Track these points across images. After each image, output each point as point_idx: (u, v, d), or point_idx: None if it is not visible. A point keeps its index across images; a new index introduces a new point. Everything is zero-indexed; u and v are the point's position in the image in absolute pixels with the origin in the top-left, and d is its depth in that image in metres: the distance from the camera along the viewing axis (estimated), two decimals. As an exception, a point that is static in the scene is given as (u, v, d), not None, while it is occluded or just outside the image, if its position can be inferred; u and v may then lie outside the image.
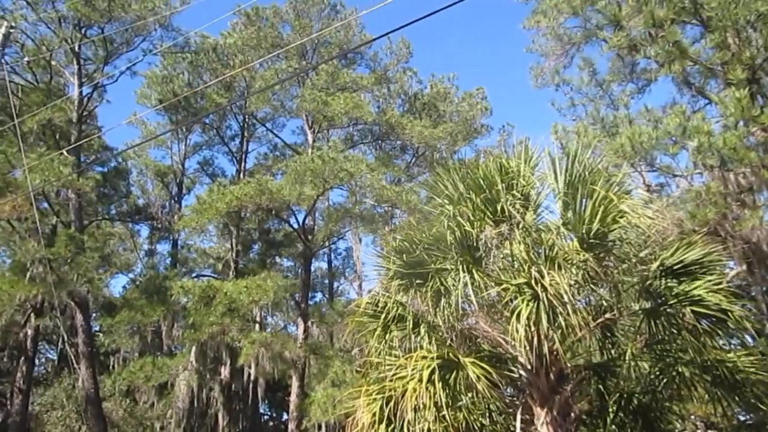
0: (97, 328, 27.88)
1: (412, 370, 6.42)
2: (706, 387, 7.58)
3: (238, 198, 18.75)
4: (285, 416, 29.49)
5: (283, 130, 35.76)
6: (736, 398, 7.56)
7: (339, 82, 21.59)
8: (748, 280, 10.44)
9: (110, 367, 26.05)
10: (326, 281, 30.63)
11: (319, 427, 17.76)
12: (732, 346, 7.93)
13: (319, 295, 32.24)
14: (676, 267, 7.08)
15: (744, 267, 10.27)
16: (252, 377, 24.39)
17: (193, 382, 20.11)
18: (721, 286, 6.47)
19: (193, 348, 20.16)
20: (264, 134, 29.82)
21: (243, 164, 28.68)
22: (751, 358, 7.43)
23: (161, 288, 22.01)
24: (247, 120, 28.26)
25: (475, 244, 6.90)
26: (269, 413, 35.93)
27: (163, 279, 23.00)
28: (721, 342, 7.12)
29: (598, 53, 12.87)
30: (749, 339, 20.66)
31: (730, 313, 6.37)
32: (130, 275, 31.07)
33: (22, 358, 21.86)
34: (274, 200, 19.40)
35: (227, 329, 18.60)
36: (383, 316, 7.72)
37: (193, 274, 29.43)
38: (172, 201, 31.55)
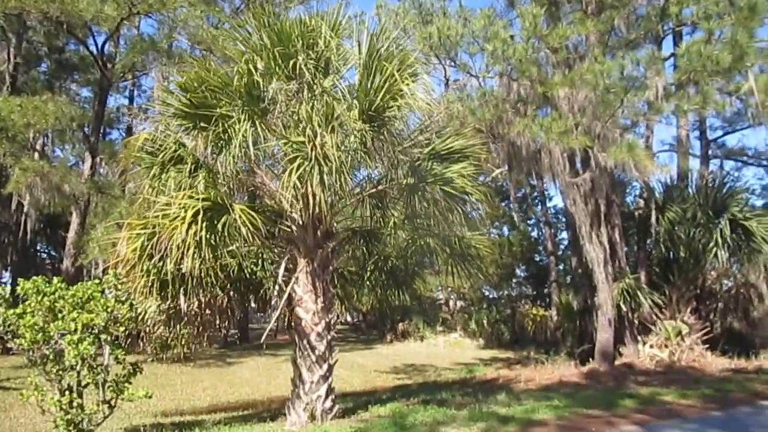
0: None
1: (179, 207, 6.45)
2: (445, 257, 8.99)
3: (19, -1, 15.67)
4: (64, 254, 27.75)
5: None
6: (467, 268, 9.11)
7: None
8: (507, 179, 12.12)
9: None
10: (126, 119, 28.08)
11: (96, 265, 17.13)
12: (486, 230, 9.37)
13: (116, 133, 29.63)
14: (443, 152, 7.96)
15: (506, 167, 11.90)
16: (25, 209, 22.21)
17: (-54, 204, 17.61)
18: (469, 172, 7.47)
19: (-53, 166, 17.43)
20: (65, -70, 24.66)
21: (33, -39, 23.66)
22: (483, 238, 8.94)
23: None
24: None
25: (263, 96, 6.88)
26: (46, 250, 33.48)
27: None
28: (464, 223, 8.27)
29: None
30: (505, 230, 24.19)
31: (470, 196, 7.44)
32: None
33: None
34: (66, 12, 16.57)
35: (-7, 151, 16.31)
36: (162, 154, 7.50)
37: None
38: (-70, -15, 25.18)
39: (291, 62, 6.80)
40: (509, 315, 24.18)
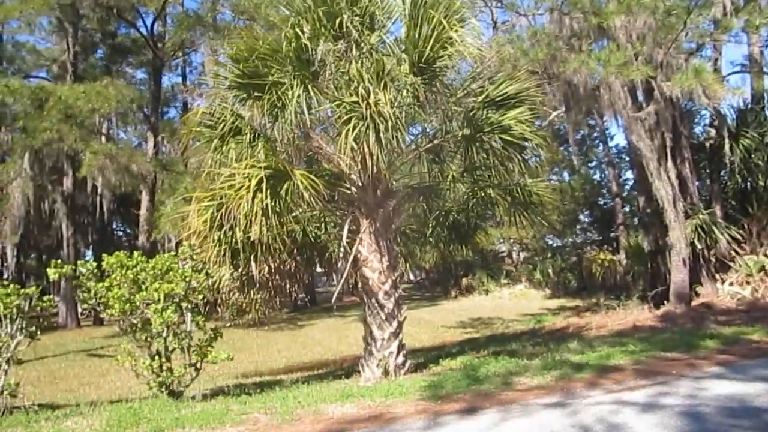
0: None
1: (242, 177, 6.60)
2: (507, 207, 8.81)
3: (70, -12, 16.16)
4: (138, 230, 29.28)
5: None
6: (530, 216, 8.91)
7: None
8: (564, 121, 11.66)
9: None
10: (181, 97, 28.83)
11: (169, 240, 18.03)
12: (547, 177, 9.10)
13: (173, 111, 30.55)
14: (497, 99, 7.71)
15: (563, 108, 11.43)
16: (99, 191, 23.45)
17: (29, 191, 18.84)
18: (526, 117, 7.22)
19: (27, 154, 18.50)
20: None
21: (79, -50, 24.25)
22: (545, 185, 8.69)
23: (-18, 88, 19.26)
24: None
25: (312, 59, 6.85)
26: (122, 228, 35.42)
27: (-17, 77, 20.08)
28: (522, 167, 8.05)
29: None
30: (566, 175, 23.53)
31: (530, 141, 7.21)
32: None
33: None
34: (115, -3, 17.03)
35: (65, 137, 17.19)
36: (220, 127, 7.65)
37: (24, 76, 26.02)
38: (-10, -14, 26.36)
39: (336, 21, 6.71)
40: (575, 262, 23.71)
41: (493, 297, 24.00)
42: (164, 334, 7.15)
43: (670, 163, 10.56)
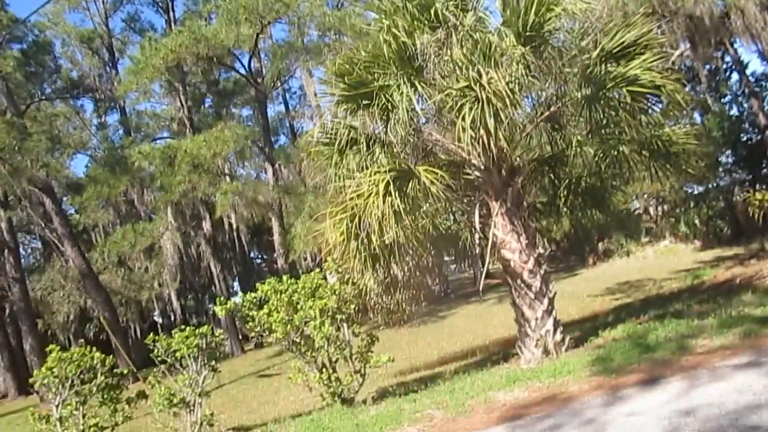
0: (71, 210, 27.98)
1: (369, 185, 6.74)
2: (644, 162, 8.17)
3: (173, 50, 17.69)
4: (274, 255, 31.22)
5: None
6: (671, 168, 8.20)
7: None
8: (691, 58, 10.61)
9: (94, 242, 26.68)
10: (287, 123, 30.38)
11: (305, 258, 19.01)
12: (670, 123, 8.35)
13: (283, 138, 32.24)
14: (615, 50, 7.16)
15: (688, 45, 10.40)
16: (234, 226, 25.36)
17: (177, 240, 20.85)
18: (654, 63, 6.63)
19: (169, 209, 20.52)
20: (190, -24, 27.22)
21: (172, 14, 26.58)
22: (684, 130, 7.94)
23: (121, 158, 21.76)
24: (167, -38, 25.64)
25: (413, 55, 6.83)
26: (260, 256, 37.98)
27: (120, 149, 22.62)
28: (656, 118, 7.42)
29: None
30: (697, 116, 21.40)
31: (663, 88, 6.61)
32: (89, 153, 30.45)
33: (5, 250, 22.19)
34: (212, 47, 18.36)
35: (197, 185, 18.81)
36: (337, 142, 7.89)
37: (152, 139, 28.93)
38: (108, 68, 29.72)
39: (431, 11, 6.63)
40: (724, 208, 21.43)
41: (636, 258, 22.48)
42: (326, 347, 7.50)
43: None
